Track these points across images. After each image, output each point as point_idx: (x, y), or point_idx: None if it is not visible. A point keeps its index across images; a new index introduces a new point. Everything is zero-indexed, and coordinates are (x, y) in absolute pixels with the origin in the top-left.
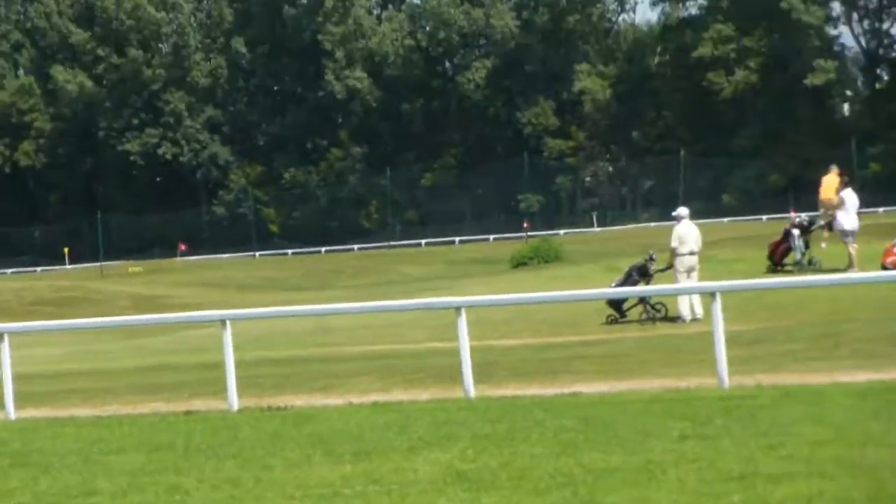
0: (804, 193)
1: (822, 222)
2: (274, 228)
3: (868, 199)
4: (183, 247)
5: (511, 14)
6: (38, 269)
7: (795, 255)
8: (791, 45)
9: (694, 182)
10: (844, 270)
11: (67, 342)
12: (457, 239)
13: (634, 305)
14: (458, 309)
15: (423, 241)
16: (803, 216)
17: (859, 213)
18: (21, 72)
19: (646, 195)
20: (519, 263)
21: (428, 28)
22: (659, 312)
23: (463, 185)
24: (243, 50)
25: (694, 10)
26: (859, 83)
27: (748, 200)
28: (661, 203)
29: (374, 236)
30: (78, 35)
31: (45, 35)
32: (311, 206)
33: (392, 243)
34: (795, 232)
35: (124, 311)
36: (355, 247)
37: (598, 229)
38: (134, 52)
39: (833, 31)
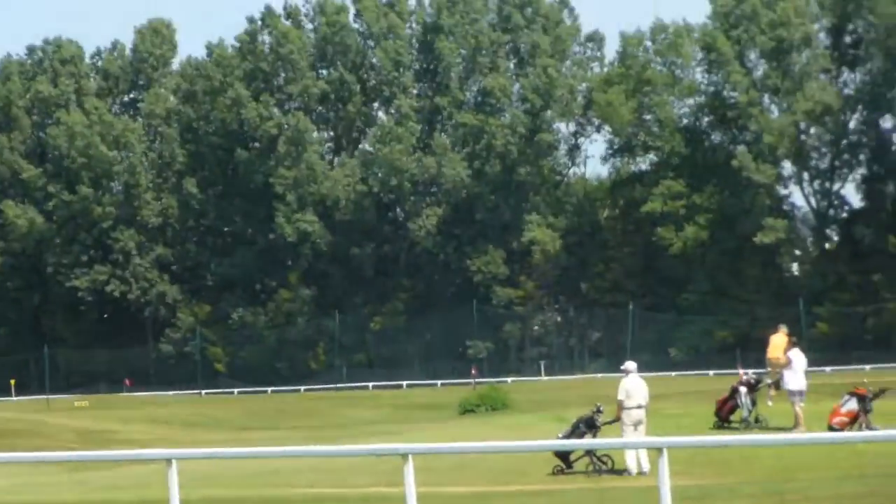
0: (752, 350)
1: (769, 381)
2: (220, 367)
3: (816, 359)
4: (128, 382)
5: (463, 164)
6: None
7: (742, 413)
8: (741, 203)
9: (642, 335)
10: (791, 430)
11: (10, 474)
12: (404, 383)
13: (581, 457)
14: (404, 455)
15: (371, 385)
16: (751, 373)
17: (807, 373)
18: None
19: (594, 346)
20: (467, 410)
21: (380, 174)
22: (605, 465)
23: (411, 330)
24: (195, 190)
25: (644, 166)
26: (809, 243)
27: (696, 355)
28: (609, 355)
29: (321, 378)
30: (29, 171)
31: None
32: (259, 347)
33: (339, 385)
34: (743, 389)
35: (69, 445)
36: (302, 388)
37: (546, 378)
38: (85, 190)
39: (784, 191)
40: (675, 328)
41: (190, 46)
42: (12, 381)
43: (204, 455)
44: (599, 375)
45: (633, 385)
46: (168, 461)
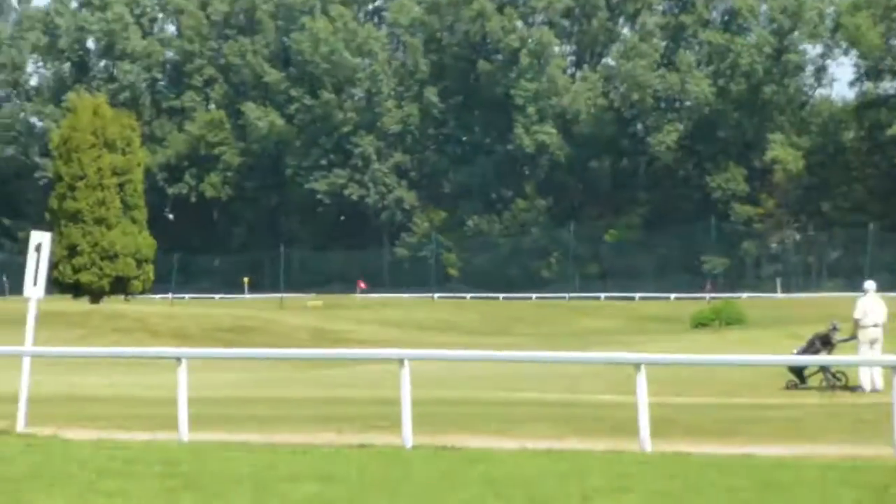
0: None
1: None
2: (453, 272)
3: None
4: (362, 284)
5: (707, 81)
6: (217, 296)
7: None
8: None
9: (881, 256)
10: None
11: (243, 370)
12: (637, 295)
13: (815, 373)
14: (637, 365)
15: (603, 295)
16: None
17: None
18: (212, 106)
19: (832, 265)
20: (699, 323)
21: (621, 89)
22: (839, 381)
23: (646, 243)
24: (435, 100)
25: (892, 90)
26: None
27: None
28: (846, 274)
29: (553, 287)
30: (272, 75)
31: (239, 72)
32: (492, 254)
33: (570, 295)
34: None
35: (302, 344)
36: (533, 296)
37: (782, 295)
38: (327, 95)
39: None
40: None
41: None
42: (246, 280)
43: (436, 356)
44: (836, 294)
45: (871, 304)
46: (401, 361)
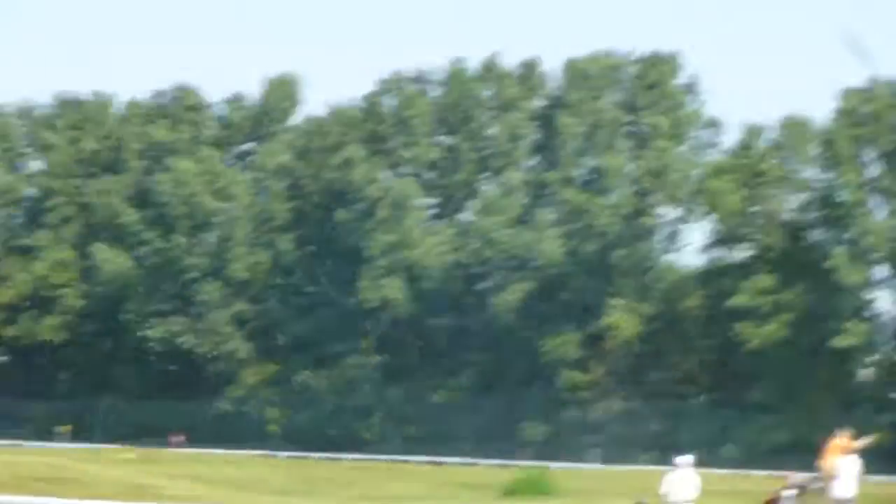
0: (809, 454)
1: (820, 484)
2: (274, 429)
3: (872, 467)
4: (181, 437)
5: (560, 241)
6: (35, 444)
7: None
8: (826, 304)
9: (702, 430)
10: None
11: None
12: (455, 459)
13: None
14: None
15: (421, 458)
16: (800, 476)
17: (862, 481)
18: (64, 245)
19: (652, 437)
20: (511, 491)
21: (474, 245)
22: None
23: (472, 406)
24: (289, 248)
25: (740, 258)
26: (886, 349)
27: (751, 454)
28: (665, 448)
29: (373, 448)
30: (129, 215)
31: (96, 212)
32: (316, 411)
33: (387, 457)
34: (789, 493)
35: (114, 497)
36: (349, 456)
37: (600, 466)
38: (179, 239)
39: (869, 295)
40: (737, 425)
41: (315, 105)
42: (63, 428)
43: None
44: (654, 467)
45: (680, 480)
46: None
